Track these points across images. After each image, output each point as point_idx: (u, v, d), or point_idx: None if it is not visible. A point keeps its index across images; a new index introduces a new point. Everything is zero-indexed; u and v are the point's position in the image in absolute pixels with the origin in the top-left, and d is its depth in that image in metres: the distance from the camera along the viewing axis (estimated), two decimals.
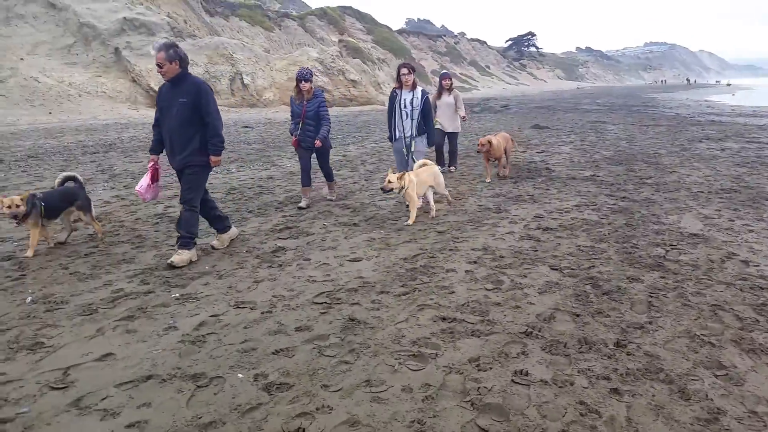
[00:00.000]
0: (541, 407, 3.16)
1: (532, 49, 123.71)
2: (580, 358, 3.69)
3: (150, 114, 27.74)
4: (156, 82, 30.44)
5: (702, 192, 8.80)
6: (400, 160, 8.28)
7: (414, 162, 7.96)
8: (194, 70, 32.48)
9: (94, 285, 5.16)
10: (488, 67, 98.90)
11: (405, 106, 7.90)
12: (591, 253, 5.86)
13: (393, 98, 8.08)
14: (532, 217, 7.46)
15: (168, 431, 2.97)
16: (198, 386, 3.41)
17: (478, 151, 10.17)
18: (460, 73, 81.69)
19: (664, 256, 5.69)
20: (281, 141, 17.20)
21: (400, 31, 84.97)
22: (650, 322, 4.20)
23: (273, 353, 3.83)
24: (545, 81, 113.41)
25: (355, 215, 7.75)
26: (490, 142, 9.92)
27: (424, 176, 7.54)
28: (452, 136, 11.57)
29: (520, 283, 5.03)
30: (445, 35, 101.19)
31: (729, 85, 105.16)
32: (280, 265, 5.66)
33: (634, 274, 5.19)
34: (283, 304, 4.68)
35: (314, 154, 8.46)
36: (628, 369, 3.55)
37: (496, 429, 2.96)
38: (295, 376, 3.53)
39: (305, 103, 8.11)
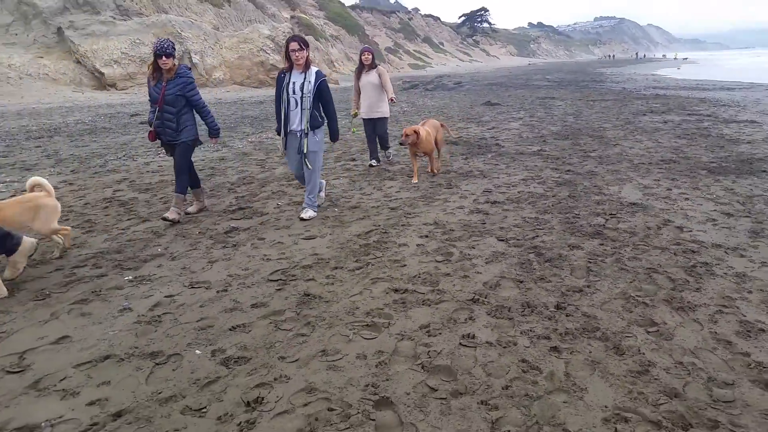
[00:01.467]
0: (486, 366, 3.36)
1: (485, 25, 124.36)
2: (523, 321, 3.92)
3: (97, 96, 26.89)
4: (101, 63, 29.45)
5: (643, 163, 9.21)
6: (292, 161, 6.67)
7: (308, 167, 6.48)
8: (141, 49, 31.34)
9: (45, 270, 5.13)
10: (442, 43, 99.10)
11: (294, 92, 6.24)
12: (535, 224, 6.13)
13: (280, 81, 6.35)
14: (481, 191, 7.69)
15: (129, 407, 3.05)
16: (156, 364, 3.49)
17: (401, 143, 8.14)
18: (414, 50, 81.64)
19: (604, 225, 6.00)
20: (232, 122, 17.01)
21: (353, 7, 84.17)
22: (588, 286, 4.47)
23: (230, 330, 3.93)
24: (498, 57, 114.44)
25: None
26: (417, 133, 8.04)
27: None
28: (379, 123, 9.61)
29: (469, 254, 5.24)
30: (398, 11, 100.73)
31: (685, 59, 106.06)
32: (234, 245, 5.71)
33: (575, 242, 5.47)
34: (239, 282, 4.76)
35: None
36: (567, 329, 3.79)
37: (445, 388, 3.15)
38: (253, 350, 3.64)
39: (164, 84, 6.38)
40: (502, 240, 5.63)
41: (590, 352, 3.53)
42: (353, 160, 10.33)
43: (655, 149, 10.52)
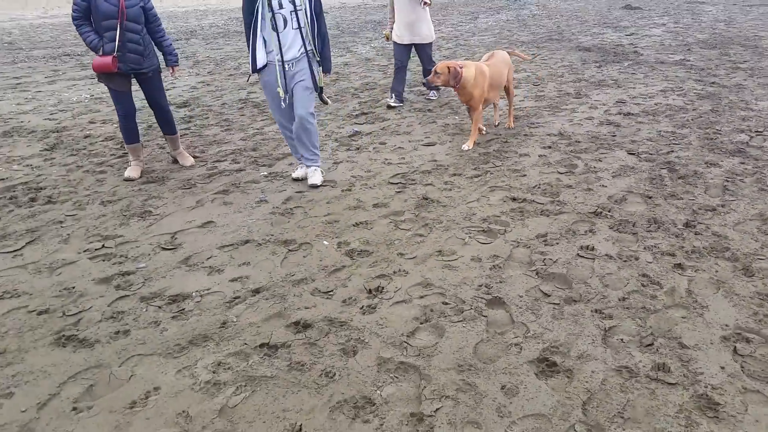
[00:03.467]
0: (603, 278, 3.36)
1: None
2: (648, 237, 3.82)
3: (229, 0, 27.75)
4: None
5: None
6: (275, 101, 4.78)
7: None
8: None
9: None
10: None
11: (281, 5, 4.43)
12: (671, 138, 5.76)
13: None
14: (613, 102, 7.28)
15: (266, 285, 3.41)
16: (289, 250, 3.84)
17: (425, 84, 5.75)
18: None
19: (748, 143, 5.52)
20: (356, 27, 16.98)
21: None
22: (723, 205, 4.22)
23: (353, 225, 4.18)
24: None
25: (430, 102, 7.80)
26: (450, 69, 5.41)
27: None
28: (421, 50, 7.40)
29: (594, 167, 5.08)
30: None
31: None
32: (357, 149, 5.92)
33: (713, 159, 5.11)
34: (361, 183, 4.99)
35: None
36: (695, 247, 3.65)
37: (558, 294, 3.21)
38: (374, 245, 3.87)
39: None
40: (633, 154, 5.37)
41: (716, 271, 3.40)
42: None
43: None
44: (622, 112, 6.80)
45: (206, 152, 5.95)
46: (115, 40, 4.78)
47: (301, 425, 2.33)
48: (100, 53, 4.81)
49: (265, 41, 4.55)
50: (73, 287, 3.44)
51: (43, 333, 3.01)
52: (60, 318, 3.14)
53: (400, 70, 7.44)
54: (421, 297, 3.24)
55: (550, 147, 5.68)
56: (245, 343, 2.87)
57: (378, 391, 2.51)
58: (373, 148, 5.91)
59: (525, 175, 4.98)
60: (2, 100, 8.47)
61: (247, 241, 3.98)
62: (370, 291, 3.32)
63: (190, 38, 15.27)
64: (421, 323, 3.00)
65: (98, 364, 2.74)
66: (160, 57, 5.25)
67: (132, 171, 5.30)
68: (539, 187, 4.71)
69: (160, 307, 3.22)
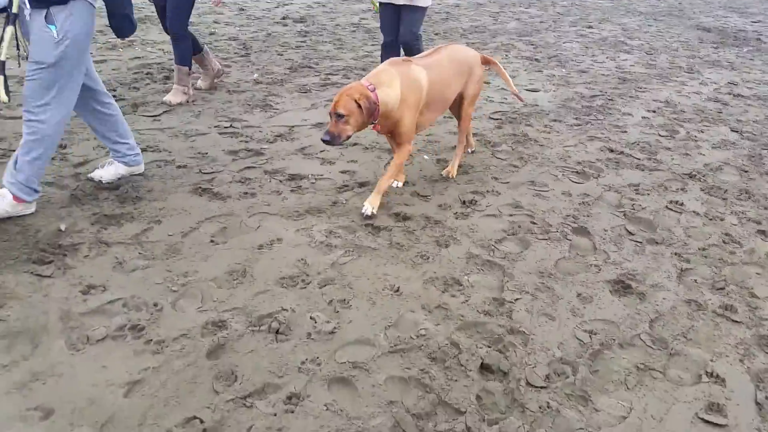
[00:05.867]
0: (687, 229, 3.52)
1: None
2: (737, 203, 3.91)
3: None
4: None
5: None
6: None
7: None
8: None
9: (306, 72, 6.02)
10: None
11: None
12: None
13: None
14: (725, 82, 7.10)
15: (371, 180, 3.77)
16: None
17: (325, 140, 3.17)
18: None
19: None
20: None
21: None
22: None
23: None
24: None
25: (538, 52, 7.83)
26: (361, 101, 3.23)
27: None
28: (405, 15, 4.92)
29: (696, 137, 5.11)
30: None
31: None
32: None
33: None
34: None
35: None
36: None
37: (642, 235, 3.41)
38: (471, 167, 4.15)
39: None
40: (736, 131, 5.34)
41: None
42: (590, 27, 9.88)
43: None
44: (733, 93, 6.65)
45: (320, 65, 6.30)
46: None
47: (399, 287, 2.70)
48: None
49: None
50: (207, 153, 3.92)
51: (183, 182, 3.50)
52: (197, 174, 3.62)
53: (386, 41, 5.23)
54: (511, 215, 3.52)
55: (654, 111, 5.70)
56: (353, 221, 3.25)
57: (466, 277, 2.84)
58: None
59: (626, 132, 5.08)
60: None
61: (355, 144, 4.34)
62: (464, 202, 3.62)
63: None
64: (509, 235, 3.29)
65: (230, 213, 3.20)
66: None
67: (200, 82, 5.26)
68: (638, 144, 4.81)
69: (281, 181, 3.65)
